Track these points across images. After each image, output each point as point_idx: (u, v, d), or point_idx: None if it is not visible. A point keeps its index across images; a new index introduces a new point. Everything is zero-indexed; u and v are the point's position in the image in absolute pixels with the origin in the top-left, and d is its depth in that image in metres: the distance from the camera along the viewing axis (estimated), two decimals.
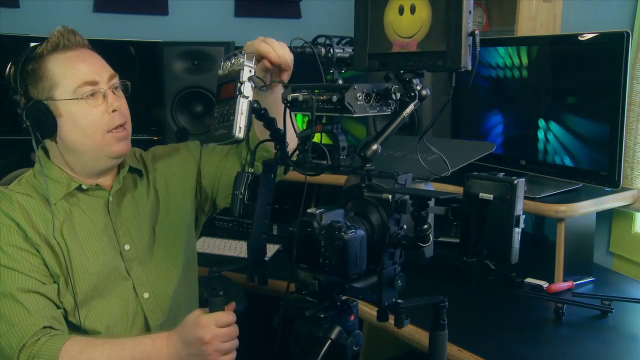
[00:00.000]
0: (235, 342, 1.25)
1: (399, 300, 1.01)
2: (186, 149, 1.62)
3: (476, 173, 0.96)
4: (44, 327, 1.27)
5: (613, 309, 1.59)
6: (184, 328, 1.23)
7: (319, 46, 1.09)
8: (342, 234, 0.93)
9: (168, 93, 2.42)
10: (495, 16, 2.51)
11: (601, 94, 1.69)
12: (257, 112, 1.05)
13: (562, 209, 1.73)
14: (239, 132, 1.02)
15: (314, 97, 1.01)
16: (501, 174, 0.95)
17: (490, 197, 0.93)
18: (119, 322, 1.40)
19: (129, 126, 1.45)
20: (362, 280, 1.04)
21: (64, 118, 1.37)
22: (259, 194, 1.11)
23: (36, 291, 1.30)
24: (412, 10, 0.96)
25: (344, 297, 1.09)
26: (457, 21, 0.90)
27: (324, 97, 1.00)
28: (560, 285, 1.75)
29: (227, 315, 1.23)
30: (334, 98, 0.98)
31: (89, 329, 1.36)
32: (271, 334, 1.55)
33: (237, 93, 1.03)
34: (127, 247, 1.45)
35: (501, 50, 1.98)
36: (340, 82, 1.06)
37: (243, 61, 1.04)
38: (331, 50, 1.09)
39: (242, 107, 1.02)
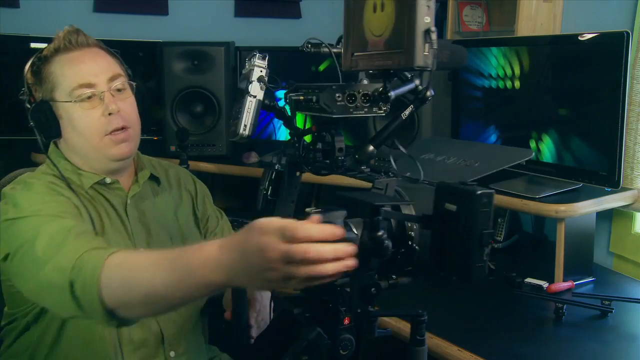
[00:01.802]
0: (316, 269, 0.84)
1: (371, 309, 0.98)
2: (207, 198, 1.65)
3: (447, 181, 0.88)
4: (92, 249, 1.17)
5: (613, 309, 1.59)
6: (243, 234, 0.88)
7: (339, 46, 1.08)
8: None
9: (168, 93, 2.42)
10: (495, 16, 2.52)
11: (601, 94, 1.69)
12: (275, 109, 1.07)
13: (562, 209, 1.73)
14: (244, 129, 1.06)
15: (293, 98, 1.01)
16: (474, 183, 0.87)
17: (453, 208, 0.85)
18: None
19: (133, 128, 1.41)
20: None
21: (64, 120, 1.37)
22: (281, 190, 1.12)
23: (83, 231, 1.25)
24: (382, 7, 0.92)
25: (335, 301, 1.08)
26: (411, 17, 0.85)
27: (304, 97, 1.00)
28: (560, 285, 1.75)
29: (311, 226, 0.84)
30: (314, 98, 0.98)
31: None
32: (271, 330, 1.56)
33: (246, 92, 1.06)
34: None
35: (501, 50, 1.98)
36: (365, 82, 1.03)
37: (254, 61, 1.08)
38: None
39: (249, 105, 1.05)
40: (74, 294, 1.07)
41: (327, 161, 1.07)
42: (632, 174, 1.90)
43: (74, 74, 1.36)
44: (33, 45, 2.36)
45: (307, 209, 1.00)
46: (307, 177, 1.14)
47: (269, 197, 1.12)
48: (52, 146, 1.43)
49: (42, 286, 1.14)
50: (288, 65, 1.99)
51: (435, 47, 0.86)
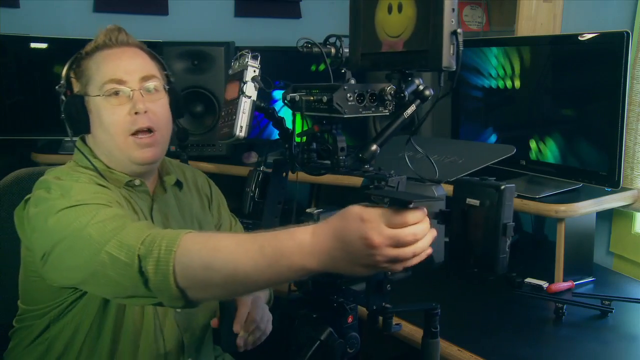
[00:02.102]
0: (420, 246, 0.89)
1: (387, 305, 1.00)
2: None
3: (465, 177, 0.93)
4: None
5: (613, 309, 1.59)
6: (340, 221, 0.90)
7: (328, 46, 1.09)
8: None
9: None
10: (495, 16, 2.52)
11: (601, 94, 1.69)
12: (265, 111, 1.06)
13: (562, 209, 1.73)
14: (240, 131, 1.03)
15: (304, 98, 1.01)
16: (492, 179, 0.91)
17: (477, 202, 0.89)
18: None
19: (159, 132, 1.38)
20: (360, 283, 1.03)
21: (93, 114, 1.36)
22: (268, 192, 1.12)
23: (135, 218, 1.24)
24: (400, 9, 0.94)
25: (340, 299, 1.08)
26: (438, 19, 0.88)
27: (314, 97, 1.00)
28: (560, 285, 1.75)
29: (406, 213, 0.88)
30: (324, 99, 0.98)
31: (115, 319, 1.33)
32: (273, 331, 1.56)
33: (240, 93, 1.04)
34: None
35: (501, 50, 1.98)
36: (352, 82, 1.05)
37: (247, 61, 1.06)
38: (341, 50, 1.09)
39: (244, 106, 1.04)
40: (142, 270, 1.04)
41: (324, 161, 1.07)
42: (632, 174, 1.90)
43: (107, 69, 1.35)
44: (33, 45, 2.36)
45: (308, 209, 1.00)
46: (307, 177, 1.14)
47: (256, 199, 1.11)
48: (79, 142, 1.41)
49: (101, 265, 1.09)
50: (288, 66, 2.00)
51: (462, 48, 0.88)
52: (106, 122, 1.34)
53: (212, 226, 1.59)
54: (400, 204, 0.85)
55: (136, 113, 1.33)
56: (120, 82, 1.34)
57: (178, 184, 1.52)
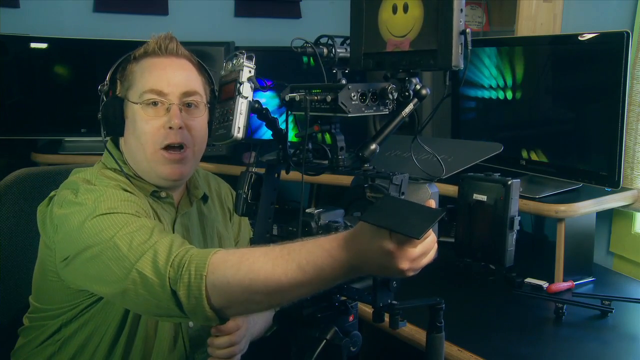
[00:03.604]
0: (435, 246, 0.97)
1: (394, 302, 1.00)
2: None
3: (471, 173, 0.96)
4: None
5: (613, 309, 1.59)
6: (364, 239, 0.94)
7: (320, 46, 1.09)
8: None
9: None
10: (495, 16, 2.52)
11: (601, 94, 1.69)
12: (259, 112, 1.05)
13: (562, 209, 1.73)
14: (238, 132, 1.02)
15: (308, 98, 1.01)
16: (497, 175, 0.94)
17: (484, 198, 0.93)
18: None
19: (191, 150, 1.35)
20: (361, 281, 1.04)
21: (129, 120, 1.34)
22: (262, 193, 1.11)
23: (164, 230, 1.22)
24: (405, 9, 0.95)
25: (342, 298, 1.09)
26: (447, 19, 0.89)
27: (319, 97, 1.00)
28: (560, 285, 1.75)
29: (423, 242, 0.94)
30: (328, 98, 0.98)
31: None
32: (273, 332, 1.56)
33: (237, 93, 1.03)
34: None
35: (501, 50, 1.98)
36: (343, 82, 1.05)
37: (243, 62, 1.05)
38: (333, 50, 1.09)
39: (241, 107, 1.03)
40: (175, 294, 1.04)
41: (321, 161, 1.06)
42: (632, 174, 1.90)
43: (150, 78, 1.33)
44: (33, 45, 2.36)
45: (308, 209, 1.00)
46: (306, 177, 1.14)
47: (249, 200, 1.11)
48: (111, 144, 1.39)
49: (132, 283, 1.09)
50: (288, 66, 1.99)
51: (470, 47, 0.90)
52: (139, 130, 1.32)
53: (232, 241, 1.57)
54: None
55: (170, 128, 1.31)
56: (160, 93, 1.32)
57: (204, 198, 1.50)
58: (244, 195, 1.11)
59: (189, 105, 1.35)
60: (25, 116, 2.38)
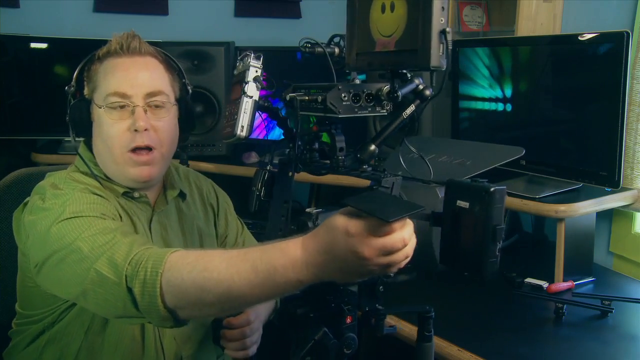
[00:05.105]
0: (410, 246, 0.89)
1: (379, 307, 0.99)
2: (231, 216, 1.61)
3: (457, 179, 0.90)
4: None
5: (613, 309, 1.59)
6: (328, 236, 0.89)
7: (332, 46, 1.08)
8: None
9: None
10: (495, 16, 2.52)
11: (601, 94, 1.69)
12: (269, 110, 1.06)
13: (562, 209, 1.73)
14: (242, 130, 1.04)
15: (298, 98, 1.00)
16: (484, 180, 0.88)
17: (466, 205, 0.87)
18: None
19: (159, 151, 1.32)
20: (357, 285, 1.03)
21: (95, 123, 1.33)
22: (274, 191, 1.11)
23: (128, 231, 1.20)
24: (392, 8, 0.93)
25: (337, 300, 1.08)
26: (427, 18, 0.87)
27: (312, 97, 1.00)
28: (560, 285, 1.75)
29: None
30: (319, 98, 0.98)
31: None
32: (272, 330, 1.56)
33: (242, 93, 1.04)
34: None
35: (501, 50, 1.98)
36: (357, 81, 1.04)
37: (250, 61, 1.07)
38: (344, 50, 1.08)
39: (246, 106, 1.04)
40: (131, 292, 1.03)
41: (325, 161, 1.07)
42: (632, 174, 1.90)
43: (113, 81, 1.30)
44: (33, 45, 2.36)
45: (308, 209, 1.00)
46: (307, 177, 1.14)
47: (262, 198, 1.11)
48: (83, 147, 1.38)
49: (91, 283, 1.08)
50: (288, 65, 2.00)
51: (450, 47, 0.87)
52: (105, 134, 1.30)
53: (214, 238, 1.55)
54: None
55: (136, 130, 1.29)
56: (124, 96, 1.29)
57: (181, 195, 1.48)
58: (257, 193, 1.11)
59: (156, 106, 1.32)
60: (25, 116, 2.38)
